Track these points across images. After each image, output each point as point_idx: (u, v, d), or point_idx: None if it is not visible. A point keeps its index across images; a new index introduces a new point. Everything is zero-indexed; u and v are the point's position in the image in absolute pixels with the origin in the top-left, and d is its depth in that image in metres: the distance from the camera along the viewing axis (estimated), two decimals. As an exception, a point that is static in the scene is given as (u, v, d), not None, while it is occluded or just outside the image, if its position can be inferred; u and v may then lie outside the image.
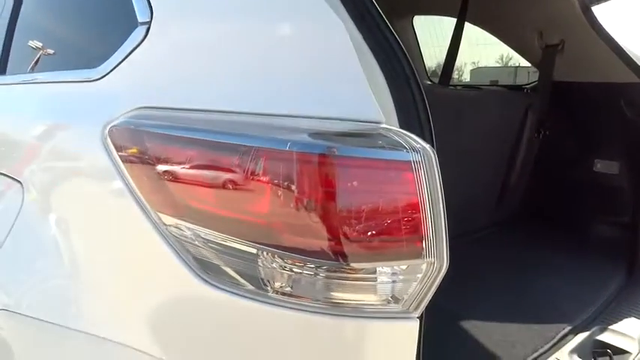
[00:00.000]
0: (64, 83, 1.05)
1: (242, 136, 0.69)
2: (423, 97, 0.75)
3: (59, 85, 1.08)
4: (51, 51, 1.24)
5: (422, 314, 0.72)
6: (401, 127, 0.70)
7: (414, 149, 0.64)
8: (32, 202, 1.02)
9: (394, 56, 0.78)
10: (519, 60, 2.55)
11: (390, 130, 0.66)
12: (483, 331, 1.48)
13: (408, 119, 0.72)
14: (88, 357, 0.90)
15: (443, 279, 0.69)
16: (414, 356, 0.71)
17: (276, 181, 0.66)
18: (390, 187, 0.66)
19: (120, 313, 0.86)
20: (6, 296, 1.03)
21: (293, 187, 0.65)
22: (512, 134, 2.35)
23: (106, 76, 0.91)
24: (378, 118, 0.67)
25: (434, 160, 0.65)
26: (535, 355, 1.38)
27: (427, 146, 0.65)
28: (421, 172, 0.64)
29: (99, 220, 0.87)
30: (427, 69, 3.28)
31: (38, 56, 1.26)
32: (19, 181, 1.06)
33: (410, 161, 0.64)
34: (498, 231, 2.29)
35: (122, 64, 0.89)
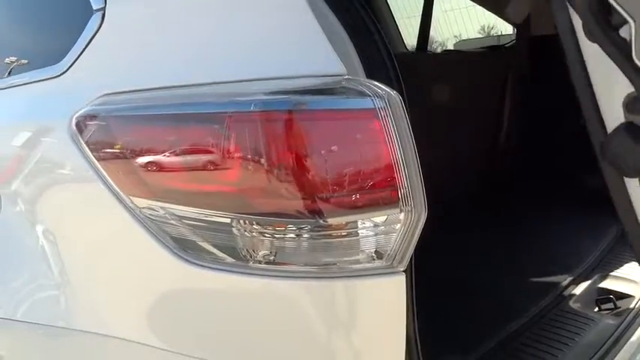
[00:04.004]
0: (30, 84, 1.03)
1: (202, 105, 0.67)
2: (387, 47, 0.74)
3: (26, 87, 1.06)
4: (24, 61, 1.22)
5: (409, 268, 0.71)
6: (368, 78, 0.68)
7: (377, 95, 0.62)
8: (9, 204, 1.00)
9: (355, 11, 0.76)
10: (501, 28, 2.54)
11: (352, 80, 0.65)
12: (484, 289, 1.46)
13: (374, 70, 0.70)
14: (79, 352, 0.89)
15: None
16: (404, 310, 0.70)
17: (243, 145, 0.65)
18: (359, 137, 0.64)
19: (108, 305, 0.84)
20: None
21: (261, 149, 0.63)
22: (496, 93, 2.33)
23: (69, 70, 0.89)
24: (340, 70, 0.65)
25: (400, 104, 0.63)
26: (538, 309, 1.37)
27: (392, 92, 0.63)
28: (388, 119, 0.62)
29: (76, 213, 0.86)
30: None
31: (11, 68, 1.24)
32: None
33: (375, 108, 0.62)
34: (492, 188, 2.27)
35: (83, 54, 0.88)
